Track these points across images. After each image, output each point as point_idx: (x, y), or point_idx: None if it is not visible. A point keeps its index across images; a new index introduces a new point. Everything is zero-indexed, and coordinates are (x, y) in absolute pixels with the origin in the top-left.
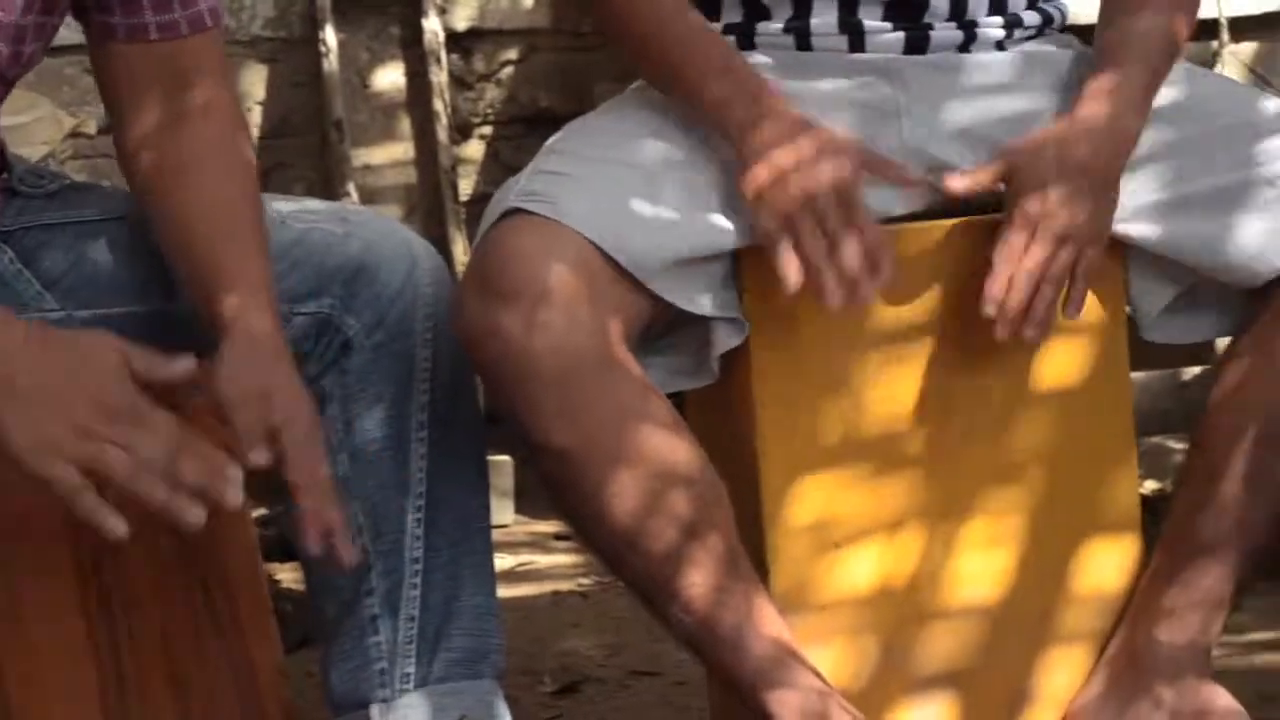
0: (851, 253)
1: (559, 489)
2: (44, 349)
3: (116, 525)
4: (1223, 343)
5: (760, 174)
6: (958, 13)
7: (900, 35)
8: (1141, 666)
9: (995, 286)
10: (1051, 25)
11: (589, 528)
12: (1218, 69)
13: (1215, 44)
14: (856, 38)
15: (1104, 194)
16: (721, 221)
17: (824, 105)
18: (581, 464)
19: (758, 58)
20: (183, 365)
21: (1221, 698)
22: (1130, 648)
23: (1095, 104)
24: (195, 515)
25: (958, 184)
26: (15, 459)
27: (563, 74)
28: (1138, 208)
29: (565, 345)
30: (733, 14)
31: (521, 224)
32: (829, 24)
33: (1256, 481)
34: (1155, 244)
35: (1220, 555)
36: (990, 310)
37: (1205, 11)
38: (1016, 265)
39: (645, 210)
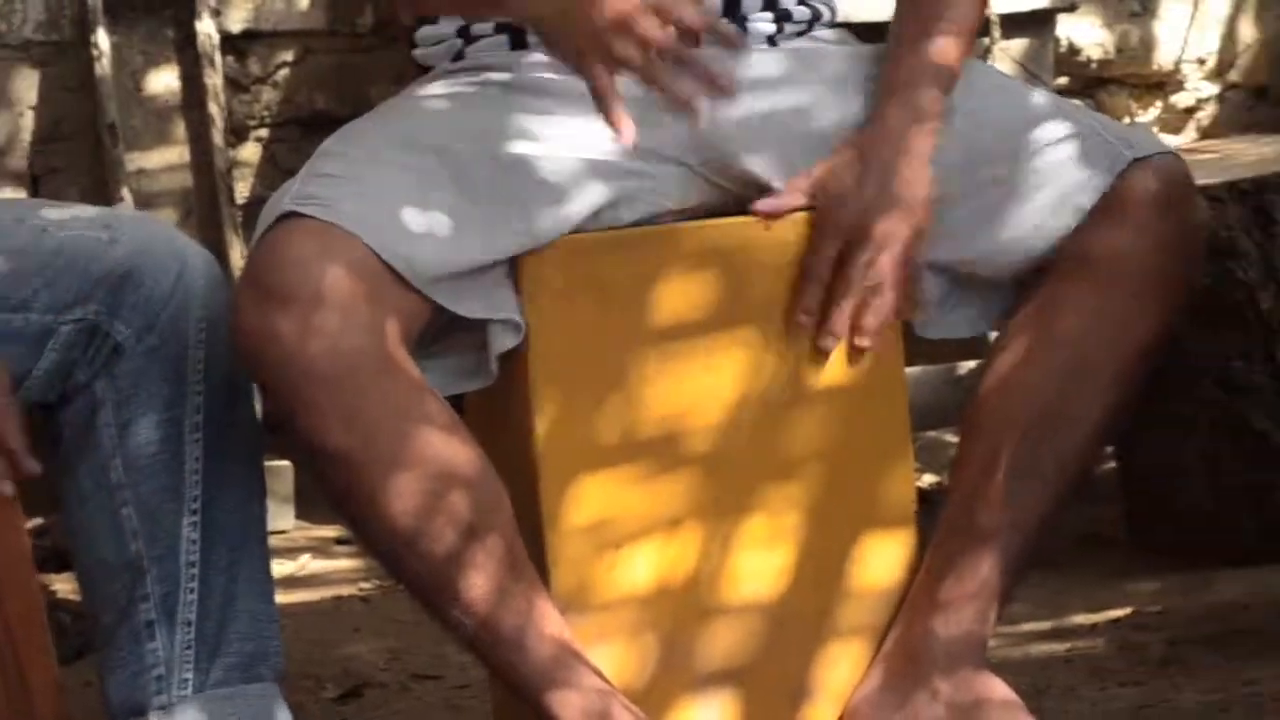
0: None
1: (337, 493)
2: None
3: None
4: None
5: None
6: (729, 8)
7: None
8: (919, 659)
9: (808, 300)
10: (820, 20)
11: (368, 531)
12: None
13: (986, 40)
14: None
15: (915, 193)
16: (497, 228)
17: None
18: (359, 467)
19: (531, 56)
20: None
21: (998, 688)
22: (907, 641)
23: (896, 100)
24: None
25: (765, 207)
26: None
27: (339, 76)
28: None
29: (341, 348)
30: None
31: (297, 227)
32: None
33: (1027, 472)
34: (928, 239)
35: (993, 546)
36: (804, 321)
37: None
38: (831, 277)
39: (419, 217)
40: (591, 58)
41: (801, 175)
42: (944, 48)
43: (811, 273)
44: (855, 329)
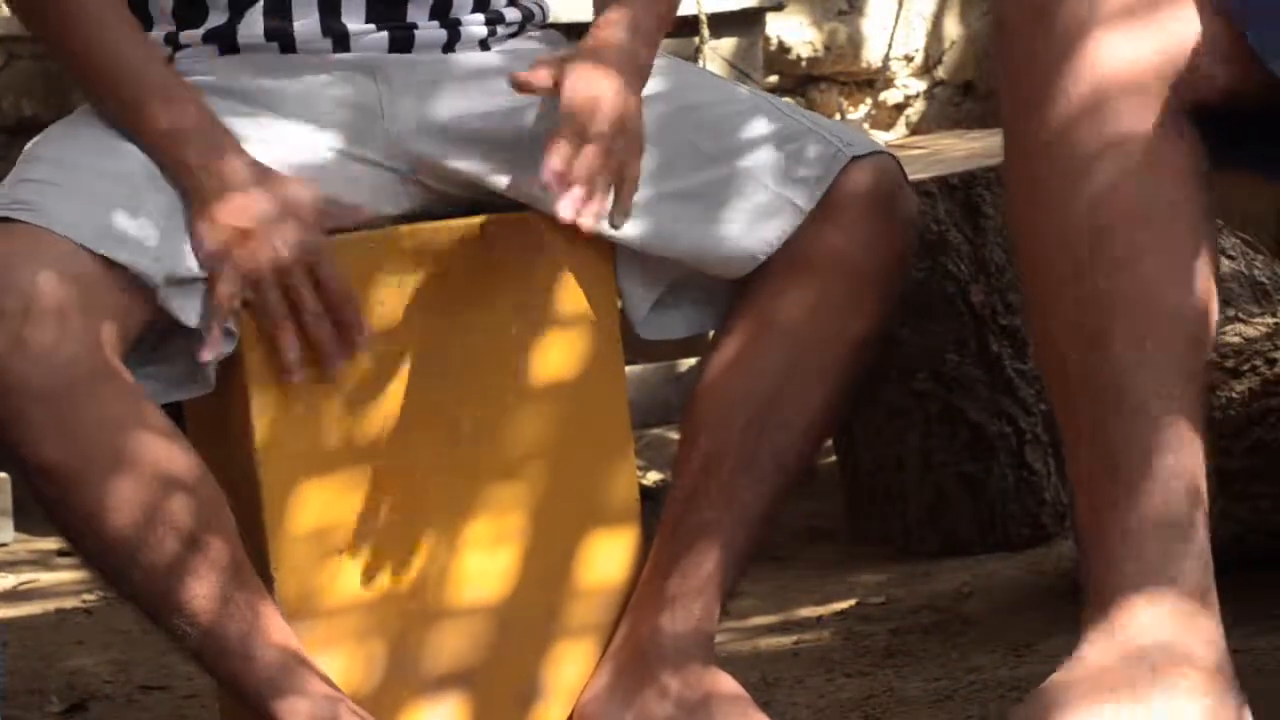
0: (323, 331)
1: (54, 506)
2: None
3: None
4: None
5: (221, 232)
6: (440, 11)
7: (384, 35)
8: (646, 656)
9: (556, 159)
10: (533, 21)
11: (87, 544)
12: (699, 65)
13: (696, 40)
14: (340, 40)
15: (638, 101)
16: None
17: (306, 103)
18: (76, 480)
19: (240, 62)
20: None
21: (726, 683)
22: (635, 638)
23: (607, 30)
24: None
25: (521, 79)
26: None
27: (46, 81)
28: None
29: (54, 358)
30: (216, 18)
31: (5, 233)
32: (311, 27)
33: (747, 468)
34: (642, 241)
35: (717, 542)
36: (550, 178)
37: (685, 8)
38: (575, 146)
39: (131, 224)
40: (229, 278)
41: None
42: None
43: (558, 135)
44: (589, 210)
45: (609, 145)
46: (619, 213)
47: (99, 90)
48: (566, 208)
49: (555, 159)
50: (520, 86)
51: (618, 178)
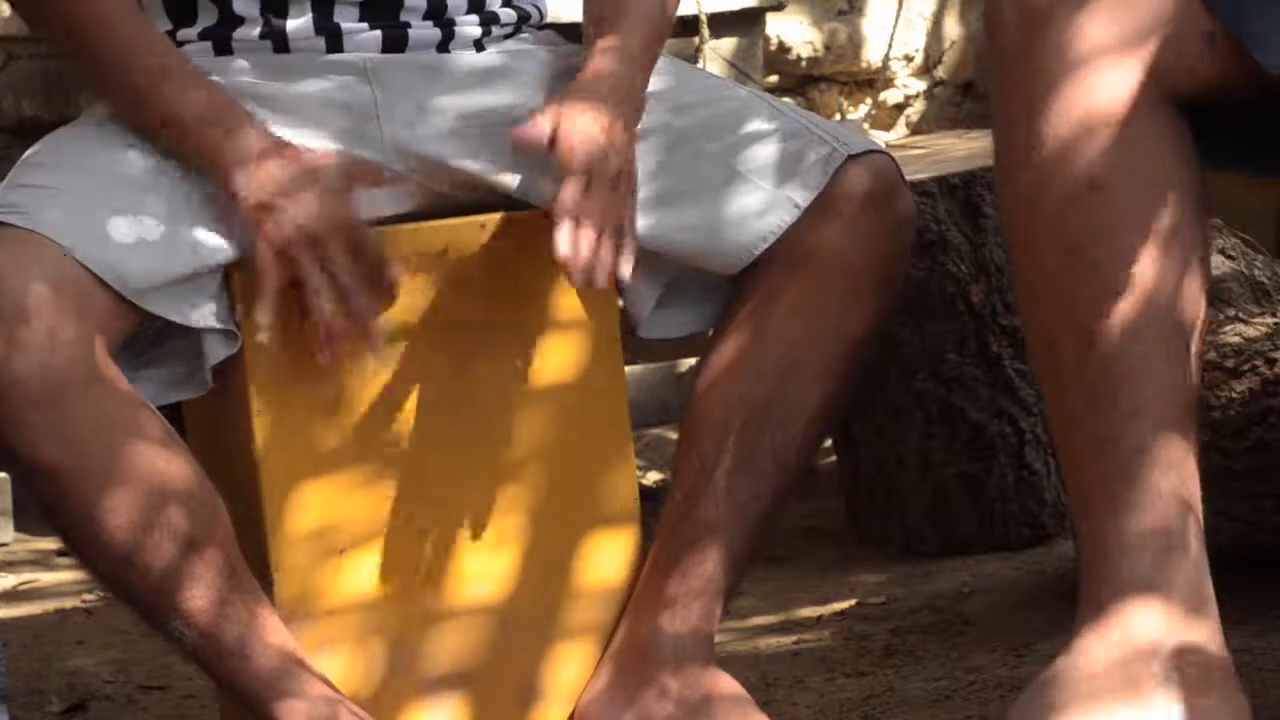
0: (359, 299)
1: (52, 509)
2: None
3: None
4: None
5: (250, 212)
6: (435, 11)
7: (377, 34)
8: (646, 657)
9: (563, 235)
10: (528, 22)
11: (84, 547)
12: (699, 65)
13: (696, 40)
14: (333, 39)
15: (628, 138)
16: (210, 236)
17: (303, 107)
18: (72, 483)
19: (236, 63)
20: None
21: (726, 683)
22: (634, 639)
23: (602, 60)
24: None
25: (517, 136)
26: None
27: (46, 81)
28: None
29: (49, 362)
30: (207, 19)
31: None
32: (305, 26)
33: (746, 467)
34: (641, 239)
35: (716, 542)
36: (564, 253)
37: (685, 8)
38: (578, 212)
39: (129, 227)
40: (269, 244)
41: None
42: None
43: (561, 205)
44: (601, 266)
45: (610, 199)
46: (625, 263)
47: (106, 82)
48: (580, 279)
49: (564, 244)
50: (517, 143)
51: (621, 226)
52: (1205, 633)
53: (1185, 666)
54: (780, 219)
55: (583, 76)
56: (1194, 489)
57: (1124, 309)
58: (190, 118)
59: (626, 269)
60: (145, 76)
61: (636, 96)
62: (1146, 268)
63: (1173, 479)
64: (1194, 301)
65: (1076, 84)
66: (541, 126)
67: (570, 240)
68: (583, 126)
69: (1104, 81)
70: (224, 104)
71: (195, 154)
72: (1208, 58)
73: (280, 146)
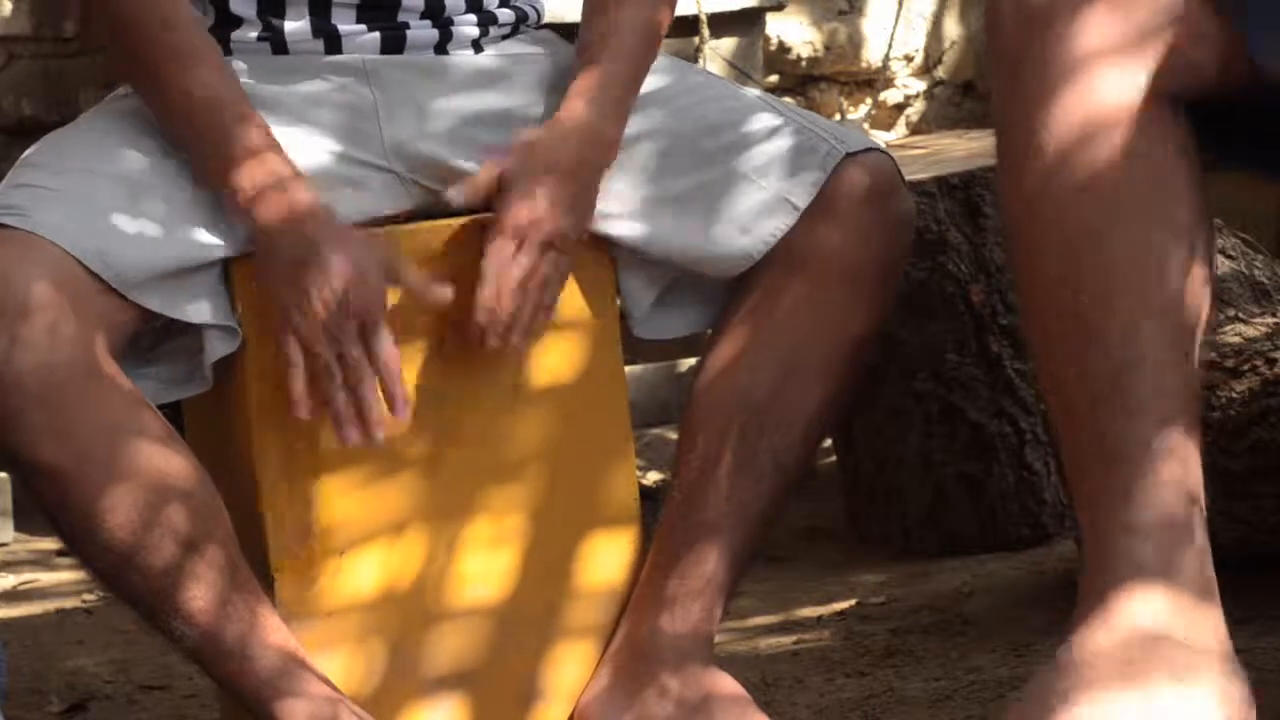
0: (369, 398)
1: (52, 508)
2: None
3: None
4: None
5: (281, 296)
6: (433, 11)
7: (375, 35)
8: (646, 657)
9: (486, 295)
10: (527, 23)
11: (85, 546)
12: (699, 65)
13: (696, 40)
14: (332, 41)
15: (585, 197)
16: (208, 233)
17: (303, 108)
18: (73, 482)
19: (235, 64)
20: None
21: (726, 683)
22: (634, 639)
23: (578, 105)
24: None
25: (456, 196)
26: None
27: (46, 81)
28: (625, 206)
29: (49, 361)
30: (204, 21)
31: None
32: (302, 29)
33: (746, 467)
34: (642, 241)
35: (716, 542)
36: (482, 319)
37: (685, 8)
38: (505, 274)
39: (127, 223)
40: (292, 331)
41: (485, 161)
42: (631, 23)
43: (488, 265)
44: (518, 327)
45: (537, 261)
46: (545, 313)
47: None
48: (493, 343)
49: (485, 295)
50: (454, 201)
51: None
52: (1210, 621)
53: (1189, 654)
54: (779, 222)
55: (554, 121)
56: (1197, 481)
57: (1127, 310)
58: (203, 105)
59: (519, 339)
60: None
61: (605, 142)
62: (1149, 269)
63: (1176, 471)
64: (1198, 301)
65: (1077, 85)
66: (478, 187)
67: (490, 301)
68: (522, 190)
69: (1105, 83)
70: (235, 98)
71: (236, 213)
72: (1209, 59)
73: (327, 228)
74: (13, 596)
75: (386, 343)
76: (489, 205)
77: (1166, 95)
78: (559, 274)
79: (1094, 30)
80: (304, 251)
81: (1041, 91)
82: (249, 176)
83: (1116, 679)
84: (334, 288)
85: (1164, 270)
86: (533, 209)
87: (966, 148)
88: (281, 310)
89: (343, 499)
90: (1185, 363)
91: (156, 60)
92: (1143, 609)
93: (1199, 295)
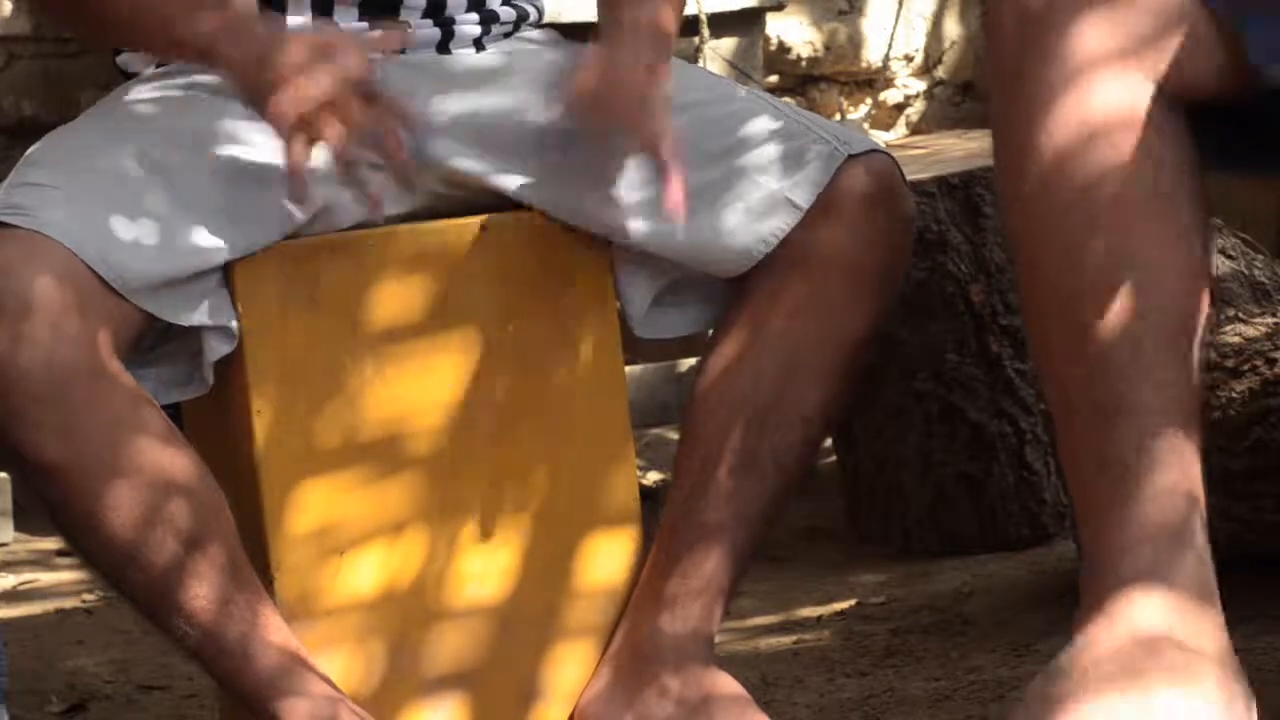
0: (389, 138)
1: (54, 506)
2: None
3: None
4: None
5: (283, 100)
6: (434, 10)
7: (378, 35)
8: (646, 657)
9: (675, 189)
10: (528, 21)
11: (87, 544)
12: (700, 65)
13: (696, 40)
14: None
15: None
16: (210, 236)
17: None
18: (75, 480)
19: None
20: None
21: (727, 683)
22: (634, 639)
23: (631, 8)
24: None
25: (558, 99)
26: None
27: (46, 81)
28: (625, 205)
29: (53, 360)
30: None
31: (3, 238)
32: (305, 26)
33: (747, 467)
34: (641, 240)
35: (717, 542)
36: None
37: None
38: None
39: (130, 225)
40: (290, 126)
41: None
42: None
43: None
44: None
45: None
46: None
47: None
48: (679, 214)
49: (675, 193)
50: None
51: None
52: (1209, 624)
53: (1189, 657)
54: (780, 223)
55: (604, 31)
56: (1197, 484)
57: (1127, 315)
58: (208, 38)
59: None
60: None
61: (663, 34)
62: (1150, 274)
63: (1176, 474)
64: (1198, 305)
65: (1076, 91)
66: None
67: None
68: (609, 80)
69: (1104, 88)
70: (238, 24)
71: (223, 71)
72: (1208, 64)
73: (287, 37)
74: (13, 596)
75: (381, 91)
76: (487, 205)
77: (1165, 101)
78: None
79: (1093, 35)
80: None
81: (1040, 96)
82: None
83: (1116, 682)
84: (314, 71)
85: (1164, 275)
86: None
87: (966, 148)
88: (269, 101)
89: (343, 498)
90: (1185, 366)
91: None
92: (1142, 613)
93: (1199, 299)
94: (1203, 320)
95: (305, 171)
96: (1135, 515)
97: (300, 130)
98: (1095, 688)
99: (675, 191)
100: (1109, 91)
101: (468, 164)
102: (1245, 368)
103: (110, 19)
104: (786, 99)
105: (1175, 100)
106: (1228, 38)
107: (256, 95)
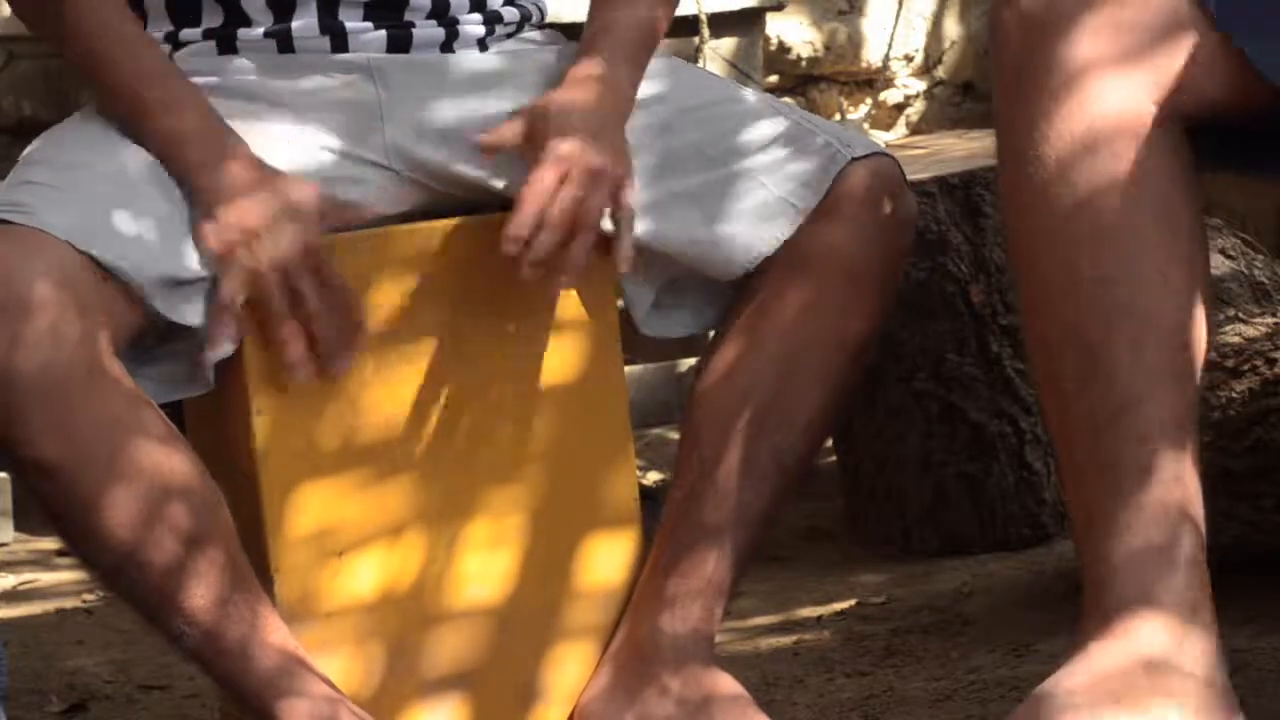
0: (327, 328)
1: (53, 506)
2: None
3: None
4: None
5: (225, 233)
6: (439, 10)
7: (382, 34)
8: (647, 657)
9: (519, 226)
10: (530, 22)
11: (85, 545)
12: (699, 65)
13: (696, 40)
14: (338, 39)
15: (616, 138)
16: None
17: (307, 105)
18: (74, 480)
19: (239, 61)
20: None
21: (727, 683)
22: (634, 639)
23: (588, 64)
24: None
25: (487, 142)
26: None
27: (46, 81)
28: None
29: (52, 359)
30: (213, 19)
31: (3, 235)
32: (310, 26)
33: (747, 468)
34: (644, 240)
35: (717, 542)
36: (511, 249)
37: (685, 8)
38: (548, 205)
39: (129, 223)
40: (232, 277)
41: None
42: (628, 21)
43: (528, 195)
44: (559, 264)
45: (590, 196)
46: (625, 262)
47: (103, 93)
48: (529, 274)
49: (518, 226)
50: (485, 147)
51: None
52: (1200, 644)
53: (1182, 679)
54: (782, 226)
55: (566, 78)
56: (1194, 497)
57: (1127, 326)
58: (176, 138)
59: (569, 278)
60: (134, 95)
61: (621, 90)
62: (1149, 283)
63: (1174, 494)
64: (1197, 316)
65: (1079, 98)
66: (513, 126)
67: (521, 232)
68: (561, 126)
69: (1106, 95)
70: (209, 128)
71: (180, 175)
72: (1210, 71)
73: (264, 175)
74: (13, 596)
75: (334, 273)
76: (488, 205)
77: (1166, 108)
78: (622, 219)
79: (1096, 41)
80: (238, 190)
81: (1043, 102)
82: (168, 122)
83: (1108, 704)
84: (276, 227)
85: (1164, 287)
86: (575, 142)
87: (966, 148)
88: (226, 249)
89: (344, 499)
90: (1185, 378)
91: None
92: (1139, 636)
93: (1199, 311)
94: (1202, 330)
95: (232, 324)
96: (1134, 535)
97: (232, 263)
98: (1095, 705)
99: (626, 247)
100: (1110, 99)
101: (469, 167)
102: (1245, 368)
103: (77, 61)
104: (786, 99)
105: (1176, 108)
106: (1227, 50)
107: (206, 212)
